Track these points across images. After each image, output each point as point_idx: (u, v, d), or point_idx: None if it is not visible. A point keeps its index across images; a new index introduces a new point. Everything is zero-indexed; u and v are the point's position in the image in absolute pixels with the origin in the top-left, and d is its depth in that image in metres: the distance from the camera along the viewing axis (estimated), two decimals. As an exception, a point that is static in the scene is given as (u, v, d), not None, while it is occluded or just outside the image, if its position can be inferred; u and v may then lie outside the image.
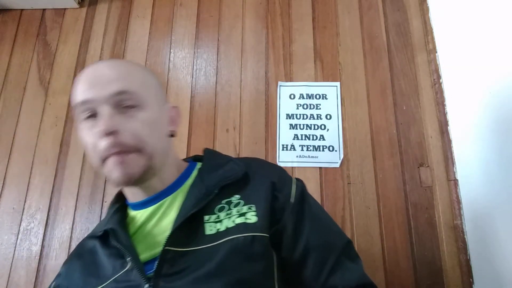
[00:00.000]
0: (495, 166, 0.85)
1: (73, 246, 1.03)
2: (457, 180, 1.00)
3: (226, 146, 1.10)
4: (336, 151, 1.08)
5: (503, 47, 0.82)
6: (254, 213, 0.52)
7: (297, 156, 1.08)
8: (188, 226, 0.50)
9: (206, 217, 0.52)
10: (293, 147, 1.09)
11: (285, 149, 1.09)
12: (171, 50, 1.23)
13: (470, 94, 0.95)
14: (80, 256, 0.59)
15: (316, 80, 1.15)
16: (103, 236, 0.56)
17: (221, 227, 0.51)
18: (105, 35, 1.24)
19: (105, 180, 1.08)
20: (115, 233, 0.53)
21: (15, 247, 1.04)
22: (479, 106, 0.91)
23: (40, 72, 1.21)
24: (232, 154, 1.09)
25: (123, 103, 0.51)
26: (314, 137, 1.10)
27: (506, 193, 0.80)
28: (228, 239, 0.50)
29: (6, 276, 1.01)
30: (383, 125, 1.10)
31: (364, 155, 1.07)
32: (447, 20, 1.09)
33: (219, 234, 0.50)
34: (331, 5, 1.23)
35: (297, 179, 0.60)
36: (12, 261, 1.02)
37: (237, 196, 0.54)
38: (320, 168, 1.07)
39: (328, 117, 1.11)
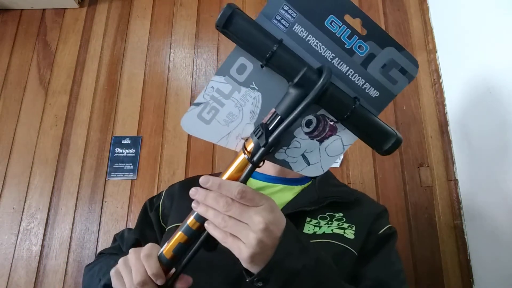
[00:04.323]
0: (495, 166, 0.85)
1: (73, 246, 1.03)
2: (457, 180, 1.00)
3: (226, 146, 1.10)
4: (336, 151, 1.08)
5: (503, 47, 0.82)
6: (352, 232, 0.56)
7: (297, 156, 1.08)
8: (290, 219, 0.53)
9: (308, 219, 0.57)
10: (293, 147, 1.09)
11: (285, 149, 1.09)
12: (171, 50, 1.23)
13: (470, 94, 0.95)
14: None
15: (316, 80, 1.15)
16: None
17: (319, 231, 0.56)
18: (105, 35, 1.24)
19: (105, 180, 1.08)
20: None
21: (15, 247, 1.04)
22: (479, 106, 0.91)
23: (40, 72, 1.21)
24: (232, 153, 1.10)
25: None
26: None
27: (506, 193, 0.80)
28: (322, 241, 0.53)
29: (6, 276, 1.01)
30: (383, 125, 1.09)
31: (364, 155, 1.07)
32: (447, 20, 1.09)
33: (315, 235, 0.55)
34: (331, 5, 1.23)
35: (393, 227, 0.63)
36: (12, 261, 1.02)
37: (341, 214, 0.59)
38: (320, 168, 1.07)
39: (328, 117, 1.11)
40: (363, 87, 0.39)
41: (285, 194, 0.62)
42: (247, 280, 0.38)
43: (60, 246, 1.03)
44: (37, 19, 1.27)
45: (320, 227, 0.56)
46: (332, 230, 0.56)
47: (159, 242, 0.62)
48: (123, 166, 1.09)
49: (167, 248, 0.41)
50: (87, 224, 1.05)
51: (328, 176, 0.70)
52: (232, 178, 0.40)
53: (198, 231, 0.40)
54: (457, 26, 1.03)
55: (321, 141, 0.41)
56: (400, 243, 0.98)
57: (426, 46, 1.16)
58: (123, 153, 1.11)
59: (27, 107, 1.17)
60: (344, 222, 0.57)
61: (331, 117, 0.40)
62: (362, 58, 0.39)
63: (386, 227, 0.60)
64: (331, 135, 0.41)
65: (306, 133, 0.40)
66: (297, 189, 0.64)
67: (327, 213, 0.59)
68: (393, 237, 0.60)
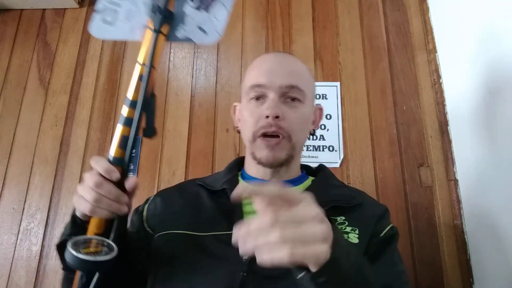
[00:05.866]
0: (495, 166, 0.85)
1: (73, 246, 1.03)
2: (457, 180, 1.00)
3: (226, 146, 1.10)
4: (336, 151, 1.08)
5: (503, 47, 0.82)
6: (356, 235, 0.55)
7: (297, 156, 1.08)
8: None
9: None
10: (293, 147, 1.09)
11: (285, 149, 1.09)
12: (171, 50, 1.23)
13: (470, 94, 0.95)
14: (182, 193, 0.65)
15: (316, 80, 1.14)
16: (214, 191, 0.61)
17: None
18: (105, 35, 1.24)
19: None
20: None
21: (15, 247, 1.04)
22: (479, 106, 0.91)
23: (40, 72, 1.21)
24: (232, 154, 1.10)
25: (290, 95, 0.61)
26: (314, 137, 1.10)
27: (505, 193, 0.80)
28: None
29: (6, 276, 1.01)
30: (383, 125, 1.10)
31: (364, 155, 1.07)
32: (447, 20, 1.09)
33: None
34: (331, 5, 1.23)
35: (395, 227, 0.62)
36: (12, 261, 1.02)
37: (342, 218, 0.58)
38: (320, 168, 1.07)
39: (328, 117, 1.11)
40: None
41: None
42: (297, 277, 0.37)
43: (60, 246, 1.03)
44: (37, 19, 1.27)
45: None
46: None
47: (140, 243, 0.60)
48: (123, 166, 1.09)
49: (114, 148, 0.46)
50: (87, 224, 1.05)
51: (327, 175, 0.69)
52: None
53: (133, 117, 0.46)
54: (457, 26, 1.03)
55: (207, 9, 0.51)
56: (400, 243, 0.97)
57: (426, 46, 1.16)
58: (123, 153, 1.11)
59: (27, 107, 1.17)
60: (347, 225, 0.57)
61: None
62: None
63: (388, 228, 0.60)
64: (213, 1, 0.51)
65: (193, 8, 0.51)
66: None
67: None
68: (395, 238, 0.59)
